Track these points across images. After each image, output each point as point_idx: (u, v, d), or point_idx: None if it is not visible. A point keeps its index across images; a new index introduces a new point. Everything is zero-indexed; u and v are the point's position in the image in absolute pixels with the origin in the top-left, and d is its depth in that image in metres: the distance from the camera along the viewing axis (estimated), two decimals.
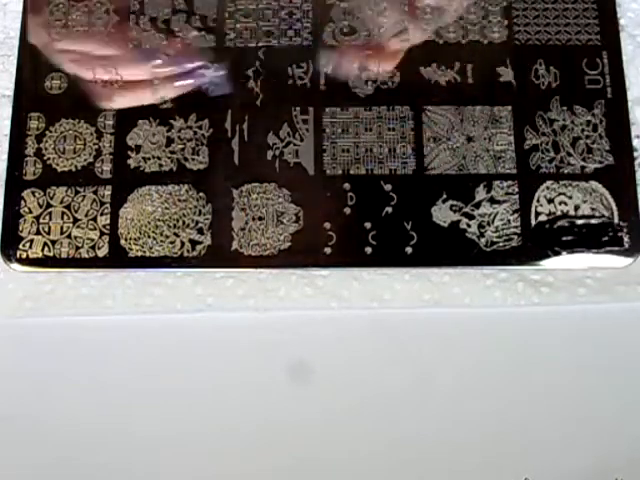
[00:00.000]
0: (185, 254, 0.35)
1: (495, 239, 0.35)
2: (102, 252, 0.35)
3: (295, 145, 0.36)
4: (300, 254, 0.35)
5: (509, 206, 0.35)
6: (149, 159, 0.36)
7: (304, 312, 0.35)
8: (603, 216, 0.35)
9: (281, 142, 0.36)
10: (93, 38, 0.37)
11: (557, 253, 0.35)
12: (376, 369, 0.35)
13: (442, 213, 0.35)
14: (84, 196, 0.36)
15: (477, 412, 0.34)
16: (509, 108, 0.36)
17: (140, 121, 0.36)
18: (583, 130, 0.36)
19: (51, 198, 0.36)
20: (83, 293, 0.35)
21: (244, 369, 0.35)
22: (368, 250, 0.35)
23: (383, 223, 0.35)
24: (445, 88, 0.37)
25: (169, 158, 0.36)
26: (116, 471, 0.34)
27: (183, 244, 0.35)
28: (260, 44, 0.37)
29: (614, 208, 0.35)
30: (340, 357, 0.35)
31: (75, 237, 0.35)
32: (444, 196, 0.35)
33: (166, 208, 0.35)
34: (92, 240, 0.35)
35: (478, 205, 0.35)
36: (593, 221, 0.35)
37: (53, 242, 0.35)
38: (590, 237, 0.35)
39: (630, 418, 0.34)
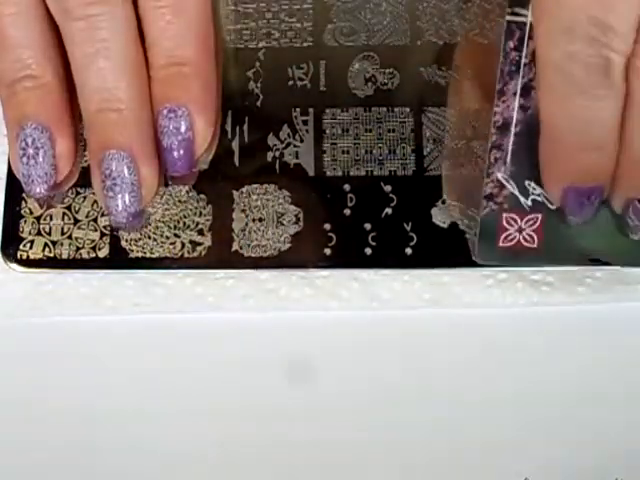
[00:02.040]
0: (185, 255, 0.35)
1: None
2: (103, 253, 0.35)
3: (295, 146, 0.36)
4: (300, 255, 0.35)
5: None
6: None
7: (304, 312, 0.35)
8: None
9: (281, 143, 0.36)
10: None
11: None
12: (376, 369, 0.35)
13: (442, 214, 0.35)
14: (85, 197, 0.36)
15: (477, 412, 0.34)
16: None
17: None
18: None
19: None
20: (83, 293, 0.35)
21: (244, 369, 0.35)
22: (368, 251, 0.35)
23: (383, 224, 0.35)
24: (445, 89, 0.37)
25: None
26: (116, 470, 0.34)
27: (183, 245, 0.35)
28: (260, 45, 0.37)
29: None
30: (340, 357, 0.35)
31: (76, 238, 0.35)
32: (444, 197, 0.35)
33: (166, 209, 0.35)
34: (93, 241, 0.35)
35: None
36: None
37: (54, 243, 0.35)
38: None
39: (630, 418, 0.34)
